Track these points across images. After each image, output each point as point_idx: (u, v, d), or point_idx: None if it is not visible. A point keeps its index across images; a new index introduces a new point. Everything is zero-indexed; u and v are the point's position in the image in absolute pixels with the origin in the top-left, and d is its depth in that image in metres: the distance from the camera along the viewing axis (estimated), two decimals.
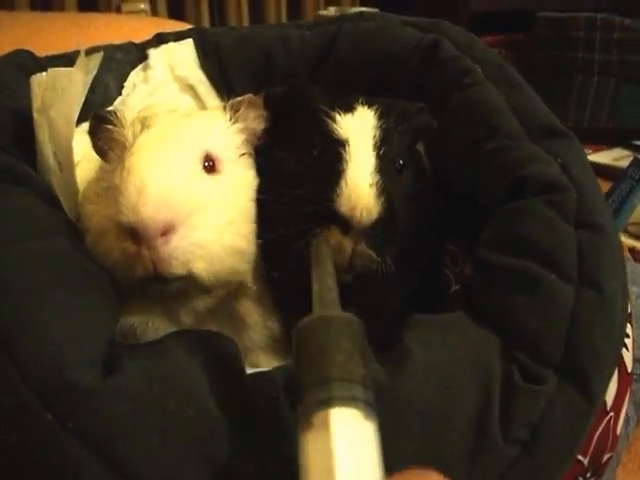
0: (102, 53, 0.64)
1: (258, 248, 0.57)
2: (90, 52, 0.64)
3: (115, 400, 0.40)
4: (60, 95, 0.57)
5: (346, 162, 0.54)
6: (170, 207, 0.49)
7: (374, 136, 0.57)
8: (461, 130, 0.64)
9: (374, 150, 0.56)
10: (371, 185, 0.53)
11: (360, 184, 0.53)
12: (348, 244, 0.53)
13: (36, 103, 0.59)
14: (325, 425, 0.31)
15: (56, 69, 0.60)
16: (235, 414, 0.42)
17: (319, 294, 0.42)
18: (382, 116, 0.59)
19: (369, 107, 0.60)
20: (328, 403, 0.32)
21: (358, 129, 0.58)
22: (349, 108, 0.60)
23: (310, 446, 0.31)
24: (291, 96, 0.64)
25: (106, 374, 0.42)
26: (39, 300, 0.44)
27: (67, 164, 0.58)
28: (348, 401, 0.32)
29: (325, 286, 0.43)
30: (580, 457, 0.51)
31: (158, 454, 0.39)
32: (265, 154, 0.63)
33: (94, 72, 0.61)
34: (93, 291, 0.49)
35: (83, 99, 0.59)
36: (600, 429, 0.52)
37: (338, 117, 0.58)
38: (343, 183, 0.53)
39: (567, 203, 0.53)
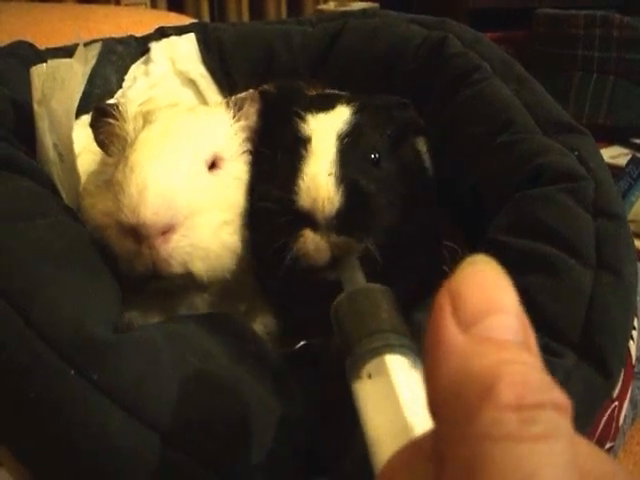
0: (101, 43, 0.64)
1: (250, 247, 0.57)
2: (89, 44, 0.64)
3: (137, 351, 0.41)
4: (60, 86, 0.57)
5: (305, 159, 0.54)
6: (171, 208, 0.49)
7: (339, 130, 0.56)
8: (471, 124, 0.64)
9: (337, 143, 0.55)
10: (330, 174, 0.52)
11: (317, 176, 0.52)
12: (323, 241, 0.52)
13: (36, 95, 0.59)
14: (383, 370, 0.32)
15: (56, 60, 0.60)
16: (249, 365, 0.44)
17: (348, 277, 0.45)
18: (356, 111, 0.58)
19: (348, 104, 0.59)
20: (382, 351, 0.33)
21: (324, 126, 0.57)
22: (326, 107, 0.59)
23: (369, 392, 0.32)
24: (273, 96, 0.64)
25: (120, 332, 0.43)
26: (51, 268, 0.45)
27: (68, 155, 0.58)
28: (400, 348, 0.33)
29: (351, 270, 0.46)
30: None
31: (181, 403, 0.40)
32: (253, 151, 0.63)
33: (93, 62, 0.61)
34: (101, 262, 0.50)
35: (82, 90, 0.59)
36: (606, 416, 0.52)
37: (309, 117, 0.58)
38: (301, 179, 0.52)
39: (585, 192, 0.54)
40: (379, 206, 0.53)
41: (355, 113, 0.58)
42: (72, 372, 0.39)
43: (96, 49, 0.62)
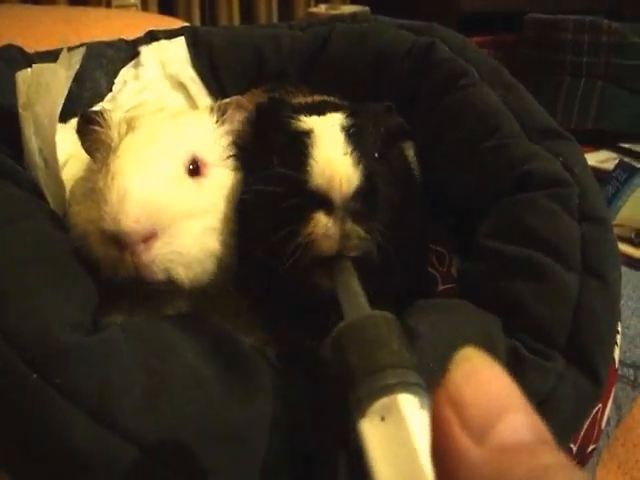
0: (84, 48, 0.64)
1: (240, 253, 0.57)
2: (73, 49, 0.64)
3: (99, 354, 0.41)
4: (44, 91, 0.57)
5: (311, 145, 0.51)
6: (151, 216, 0.49)
7: (341, 123, 0.54)
8: (458, 129, 0.65)
9: (342, 133, 0.53)
10: (345, 154, 0.50)
11: (332, 155, 0.50)
12: (335, 226, 0.49)
13: (21, 99, 0.59)
14: (396, 413, 0.29)
15: (40, 65, 0.60)
16: (219, 365, 0.43)
17: (349, 299, 0.42)
18: (349, 116, 0.56)
19: (337, 111, 0.58)
20: (395, 389, 0.30)
21: (323, 121, 0.55)
22: (318, 113, 0.57)
23: (380, 436, 0.29)
24: (264, 107, 0.62)
25: (88, 335, 0.43)
26: (20, 271, 0.45)
27: (52, 160, 0.58)
28: (413, 387, 0.31)
29: (352, 291, 0.43)
30: (571, 444, 0.52)
31: (143, 406, 0.40)
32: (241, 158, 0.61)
33: (76, 67, 0.61)
34: (76, 265, 0.50)
35: (65, 94, 0.59)
36: (589, 419, 0.53)
37: (303, 117, 0.56)
38: (312, 160, 0.49)
39: (570, 197, 0.55)
40: (389, 198, 0.52)
41: (348, 116, 0.56)
42: (34, 376, 0.39)
43: (80, 54, 0.62)
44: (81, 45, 0.69)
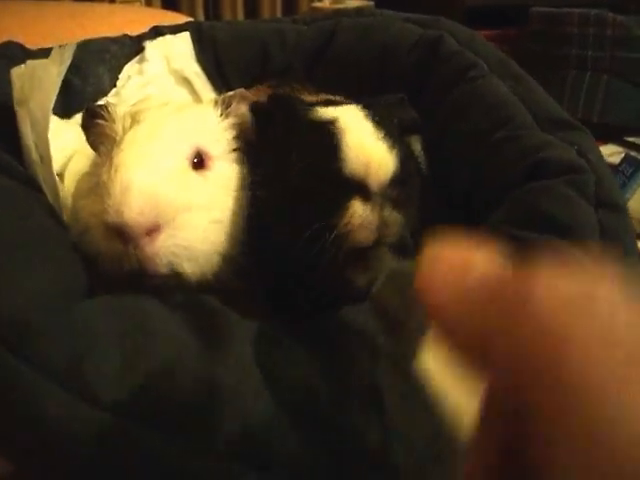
0: (76, 44, 0.64)
1: (250, 249, 0.56)
2: (64, 45, 0.64)
3: (75, 330, 0.40)
4: (38, 87, 0.57)
5: (341, 132, 0.48)
6: (155, 208, 0.49)
7: (365, 113, 0.52)
8: (466, 121, 0.64)
9: (368, 121, 0.50)
10: (379, 139, 0.47)
11: (365, 140, 0.47)
12: (373, 214, 0.46)
13: (17, 96, 0.58)
14: None
15: (33, 61, 0.59)
16: (199, 332, 0.42)
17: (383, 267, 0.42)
18: (365, 107, 0.54)
19: (352, 103, 0.56)
20: None
21: (346, 110, 0.53)
22: (333, 106, 0.56)
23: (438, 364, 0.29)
24: (273, 105, 0.60)
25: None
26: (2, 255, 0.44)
27: (45, 155, 0.57)
28: None
29: (386, 260, 0.43)
30: None
31: (121, 374, 0.39)
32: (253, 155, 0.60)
33: (68, 62, 0.61)
34: (63, 251, 0.49)
35: (57, 90, 0.58)
36: None
37: (320, 109, 0.54)
38: (345, 147, 0.47)
39: (587, 184, 0.54)
40: (418, 185, 0.51)
41: (364, 108, 0.54)
42: (8, 353, 0.39)
43: (72, 49, 0.61)
44: (90, 41, 0.69)
